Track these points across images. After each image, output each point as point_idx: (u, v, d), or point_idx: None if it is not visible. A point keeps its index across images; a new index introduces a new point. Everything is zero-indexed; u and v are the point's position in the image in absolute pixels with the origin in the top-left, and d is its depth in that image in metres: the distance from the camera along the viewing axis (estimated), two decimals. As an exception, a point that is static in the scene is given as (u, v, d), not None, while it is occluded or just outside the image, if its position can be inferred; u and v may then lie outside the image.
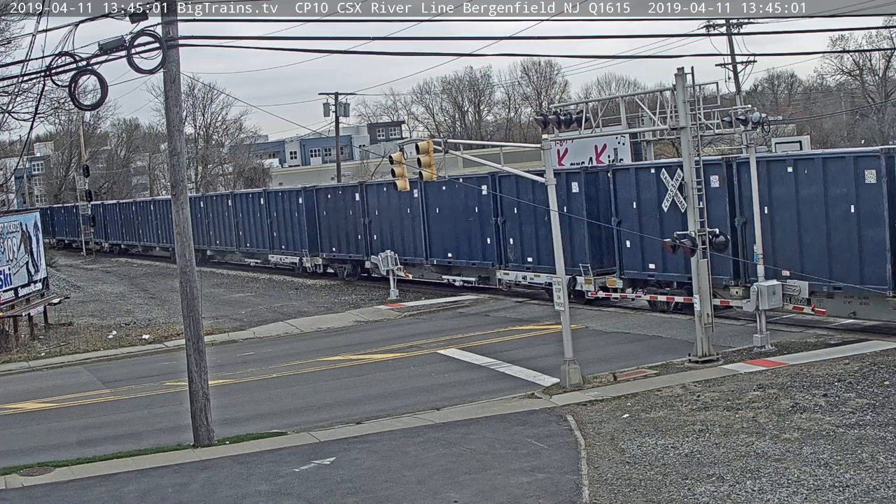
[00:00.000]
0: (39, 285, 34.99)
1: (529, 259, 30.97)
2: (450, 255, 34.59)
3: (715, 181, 24.54)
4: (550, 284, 28.37)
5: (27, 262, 33.46)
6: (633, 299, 28.53)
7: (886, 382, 17.49)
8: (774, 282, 22.03)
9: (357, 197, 38.99)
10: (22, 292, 32.59)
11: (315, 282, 41.60)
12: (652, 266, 26.88)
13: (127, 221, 65.25)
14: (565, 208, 27.43)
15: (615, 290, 28.34)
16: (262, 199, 46.19)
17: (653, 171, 26.90)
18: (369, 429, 17.57)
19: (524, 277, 31.35)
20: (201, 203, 52.16)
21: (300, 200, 42.53)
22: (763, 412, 16.29)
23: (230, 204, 49.20)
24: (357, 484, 14.28)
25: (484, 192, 32.41)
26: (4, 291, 31.10)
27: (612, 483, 13.46)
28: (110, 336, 30.87)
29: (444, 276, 35.59)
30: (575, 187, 28.99)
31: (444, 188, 34.05)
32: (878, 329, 22.37)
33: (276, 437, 17.44)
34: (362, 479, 14.52)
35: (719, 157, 27.71)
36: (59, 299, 35.64)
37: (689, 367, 20.26)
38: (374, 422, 18.12)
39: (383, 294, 35.54)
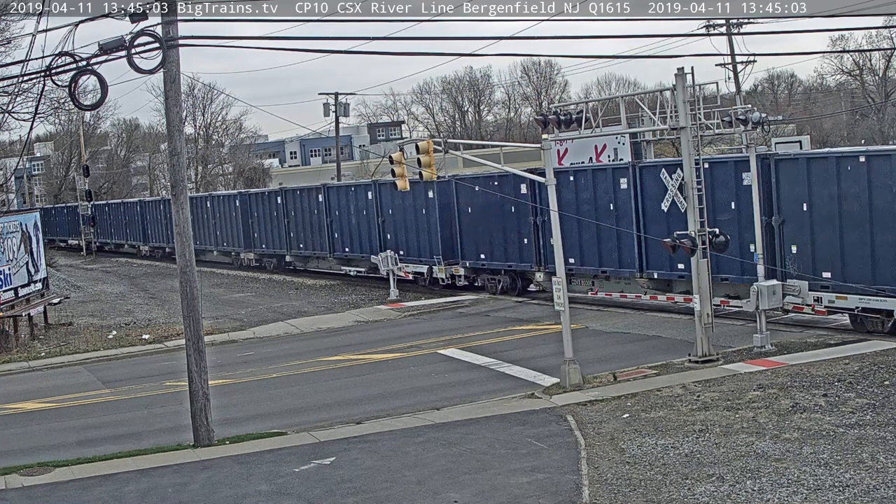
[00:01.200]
0: (39, 285, 35.00)
1: (826, 274, 22.32)
2: (680, 265, 25.45)
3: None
4: (861, 311, 21.63)
5: (27, 262, 33.47)
6: None
7: (886, 382, 17.49)
8: (774, 282, 22.04)
9: (524, 189, 30.81)
10: (22, 292, 32.60)
11: (315, 282, 41.60)
12: None
13: (173, 223, 56.72)
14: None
15: None
16: (369, 193, 38.13)
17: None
18: (369, 429, 17.58)
19: (818, 299, 22.38)
20: (278, 199, 44.34)
21: (431, 194, 34.59)
22: (763, 412, 16.29)
23: (320, 199, 40.99)
24: (357, 484, 14.28)
25: (745, 182, 23.57)
26: (4, 291, 31.11)
27: (612, 483, 13.46)
28: (110, 336, 30.87)
29: (664, 295, 26.83)
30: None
31: (661, 177, 26.90)
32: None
33: (276, 437, 17.44)
34: (362, 479, 14.52)
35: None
36: (59, 299, 35.65)
37: (689, 367, 20.27)
38: (374, 422, 18.13)
39: (383, 294, 35.53)
